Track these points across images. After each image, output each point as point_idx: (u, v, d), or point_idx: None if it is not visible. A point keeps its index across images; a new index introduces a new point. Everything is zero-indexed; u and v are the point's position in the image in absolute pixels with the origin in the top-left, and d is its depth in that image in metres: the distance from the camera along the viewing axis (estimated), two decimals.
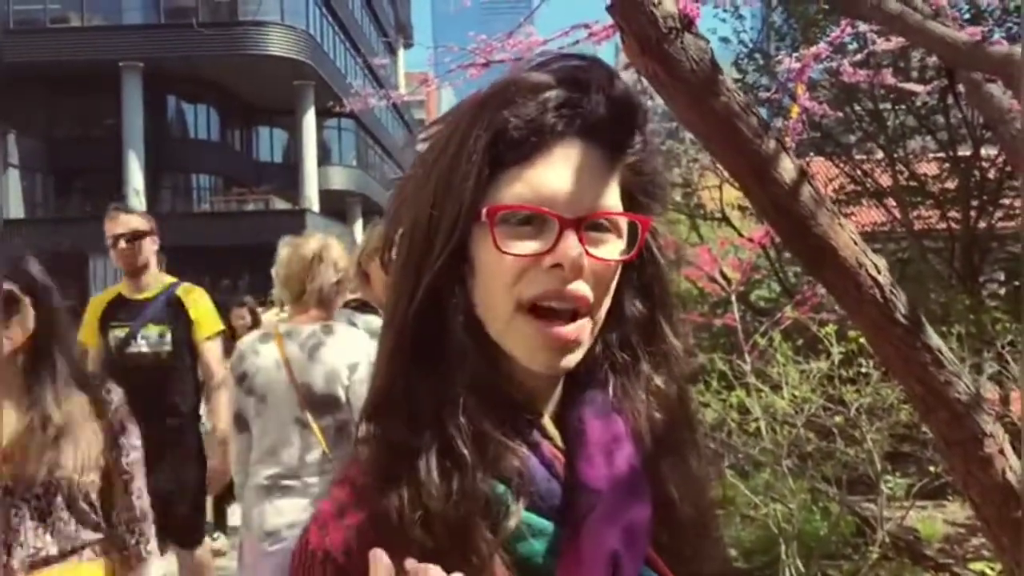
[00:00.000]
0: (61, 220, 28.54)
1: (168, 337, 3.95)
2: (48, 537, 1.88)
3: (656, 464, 0.82)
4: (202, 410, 4.35)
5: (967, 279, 7.69)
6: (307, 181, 31.72)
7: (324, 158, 34.22)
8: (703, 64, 1.25)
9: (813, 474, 4.38)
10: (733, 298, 4.94)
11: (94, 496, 1.96)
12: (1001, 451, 1.47)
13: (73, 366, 2.01)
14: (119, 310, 3.99)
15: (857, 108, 8.22)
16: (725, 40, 8.71)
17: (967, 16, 6.14)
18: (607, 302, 0.80)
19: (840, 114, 7.33)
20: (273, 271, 3.06)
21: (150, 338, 3.93)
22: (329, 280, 2.94)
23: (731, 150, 1.35)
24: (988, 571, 4.35)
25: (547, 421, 0.81)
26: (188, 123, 32.33)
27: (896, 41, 2.73)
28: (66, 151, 28.72)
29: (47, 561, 1.88)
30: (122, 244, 3.90)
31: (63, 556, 1.90)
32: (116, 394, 2.04)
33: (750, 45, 8.90)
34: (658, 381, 0.84)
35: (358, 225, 38.42)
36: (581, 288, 0.76)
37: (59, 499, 1.89)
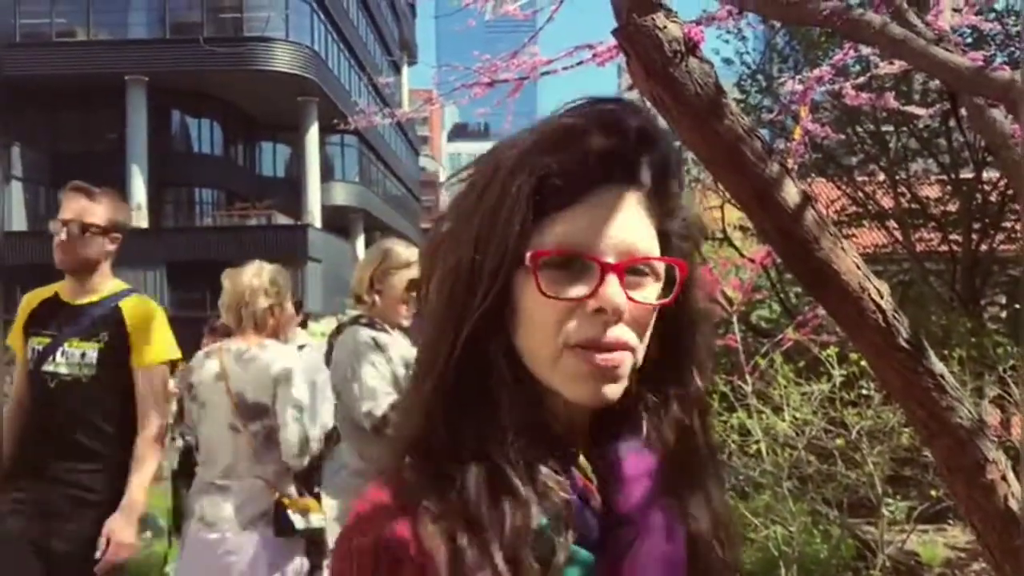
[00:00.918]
0: None
1: (94, 357, 3.02)
2: None
3: (685, 500, 0.85)
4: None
5: (968, 302, 7.69)
6: (309, 196, 31.81)
7: (327, 174, 34.32)
8: (708, 88, 1.25)
9: (814, 496, 4.37)
10: (735, 319, 4.94)
11: None
12: (1003, 477, 1.46)
13: None
14: (48, 315, 3.12)
15: (859, 130, 8.24)
16: (728, 61, 8.75)
17: (969, 40, 6.16)
18: (645, 343, 0.82)
19: (842, 136, 7.36)
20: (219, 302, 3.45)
21: (71, 356, 3.03)
22: (261, 306, 3.34)
23: (735, 173, 1.36)
24: None
25: (580, 455, 0.83)
26: (192, 137, 32.45)
27: (899, 64, 2.74)
28: (70, 164, 28.77)
29: None
30: (62, 235, 3.05)
31: None
32: None
33: (752, 66, 8.94)
34: (687, 421, 0.86)
35: (360, 240, 38.47)
36: (623, 333, 0.78)
37: None
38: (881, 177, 8.61)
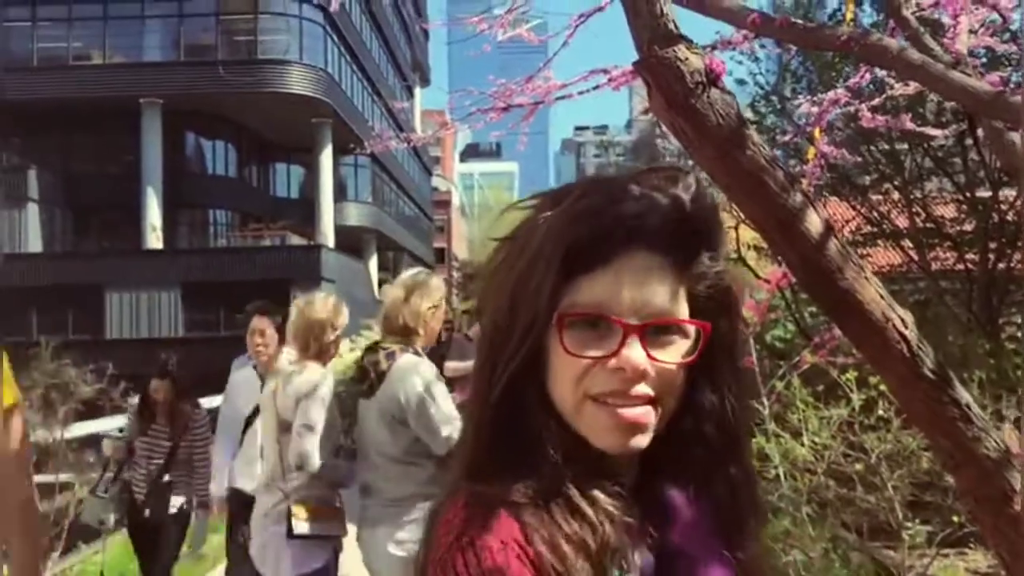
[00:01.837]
0: (78, 254, 28.79)
1: None
2: None
3: (731, 542, 0.88)
4: None
5: (985, 322, 7.63)
6: (323, 217, 31.94)
7: (340, 194, 34.46)
8: (729, 119, 1.25)
9: (833, 521, 4.32)
10: (751, 340, 4.90)
11: None
12: None
13: None
14: None
15: (874, 150, 8.22)
16: (741, 82, 8.76)
17: (984, 60, 6.14)
18: (673, 395, 0.85)
19: (858, 157, 7.34)
20: (288, 324, 3.75)
21: None
22: (328, 340, 3.66)
23: (757, 203, 1.35)
24: None
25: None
26: (206, 159, 32.64)
27: (914, 85, 2.73)
28: (85, 186, 29.04)
29: None
30: None
31: None
32: None
33: (766, 87, 8.94)
34: (730, 468, 0.89)
35: (373, 260, 38.55)
36: (643, 390, 0.82)
37: None
38: (896, 196, 8.57)
